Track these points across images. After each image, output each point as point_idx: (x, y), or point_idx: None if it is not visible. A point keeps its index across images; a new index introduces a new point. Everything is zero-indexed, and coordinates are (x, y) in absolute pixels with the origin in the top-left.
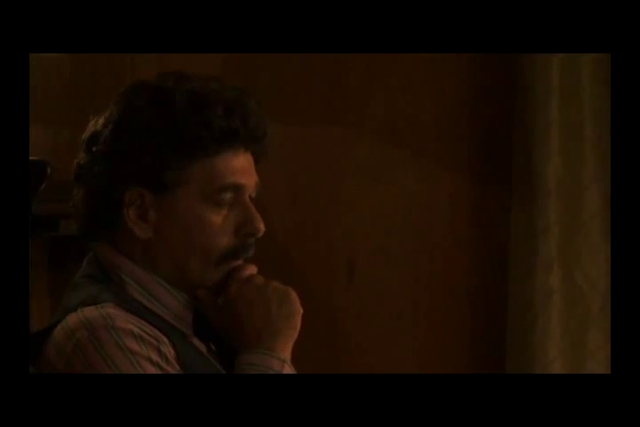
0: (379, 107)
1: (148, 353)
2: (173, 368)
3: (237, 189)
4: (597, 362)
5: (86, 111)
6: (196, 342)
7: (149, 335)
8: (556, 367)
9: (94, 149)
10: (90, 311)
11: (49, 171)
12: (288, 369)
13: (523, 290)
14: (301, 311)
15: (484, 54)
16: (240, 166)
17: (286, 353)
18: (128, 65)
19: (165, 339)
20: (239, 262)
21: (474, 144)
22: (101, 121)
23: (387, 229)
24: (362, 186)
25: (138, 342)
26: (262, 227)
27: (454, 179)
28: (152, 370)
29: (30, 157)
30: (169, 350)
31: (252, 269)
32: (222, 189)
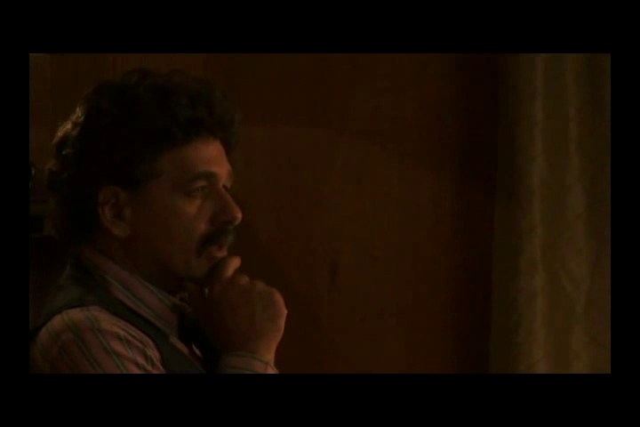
0: (362, 107)
1: (133, 356)
2: (159, 372)
3: (209, 177)
4: (581, 362)
5: (68, 112)
6: (179, 344)
7: (135, 338)
8: (541, 368)
9: (64, 152)
10: (75, 314)
11: (33, 172)
12: (271, 371)
13: (507, 290)
14: (285, 313)
15: (468, 55)
16: (210, 155)
17: (270, 356)
18: (110, 65)
19: (151, 342)
20: (222, 253)
21: (458, 144)
22: (69, 125)
23: (370, 230)
24: (345, 186)
25: (124, 345)
26: (239, 214)
27: (438, 179)
28: (138, 373)
29: None
30: (154, 353)
31: (235, 263)
32: (194, 178)
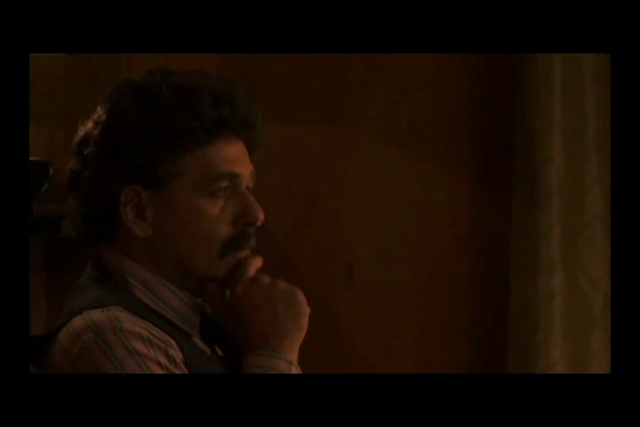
0: (378, 107)
1: (156, 356)
2: (182, 372)
3: (232, 177)
4: (600, 364)
5: (82, 111)
6: (202, 344)
7: (157, 338)
8: (559, 369)
9: (85, 151)
10: (96, 314)
11: (51, 171)
12: (295, 371)
13: (525, 291)
14: (308, 312)
15: (485, 54)
16: (233, 155)
17: (293, 354)
18: (124, 64)
19: (173, 342)
20: (245, 253)
21: (474, 144)
22: (90, 124)
23: (386, 230)
24: (361, 186)
25: (146, 345)
26: (262, 215)
27: (455, 179)
28: (160, 373)
29: (32, 158)
30: (177, 354)
31: (257, 263)
32: (217, 178)
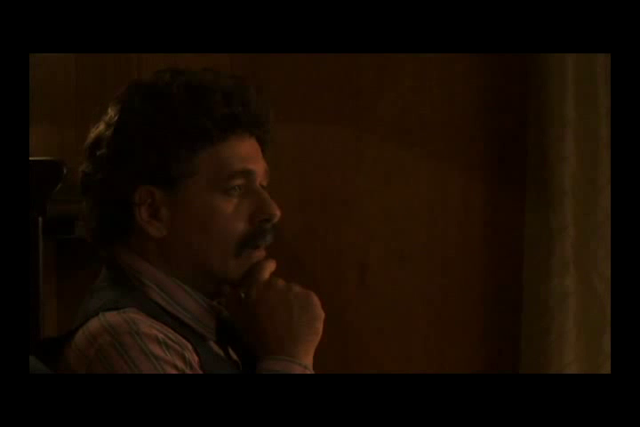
0: (390, 107)
1: (172, 359)
2: None
3: (247, 175)
4: None
5: (93, 111)
6: (216, 347)
7: (173, 341)
8: (573, 370)
9: (98, 153)
10: (112, 316)
11: (65, 171)
12: None
13: (538, 292)
14: (323, 316)
15: (497, 54)
16: (247, 152)
17: (308, 359)
18: (135, 64)
19: (189, 345)
20: (260, 253)
21: (487, 144)
22: (102, 126)
23: (399, 230)
24: (373, 186)
25: (162, 348)
26: (278, 212)
27: (467, 179)
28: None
29: (46, 158)
30: (193, 357)
31: (271, 266)
32: (231, 175)
